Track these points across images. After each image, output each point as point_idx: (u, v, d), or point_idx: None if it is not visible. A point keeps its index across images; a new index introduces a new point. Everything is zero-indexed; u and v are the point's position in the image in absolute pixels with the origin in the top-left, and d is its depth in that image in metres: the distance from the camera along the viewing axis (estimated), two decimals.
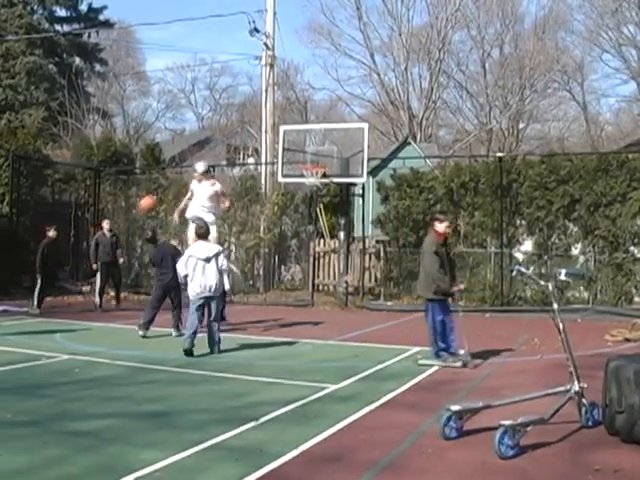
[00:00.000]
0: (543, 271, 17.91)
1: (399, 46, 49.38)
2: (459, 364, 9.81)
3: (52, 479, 5.24)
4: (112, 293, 18.58)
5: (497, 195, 18.55)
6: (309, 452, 5.92)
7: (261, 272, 22.30)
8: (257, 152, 34.23)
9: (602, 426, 6.48)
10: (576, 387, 6.48)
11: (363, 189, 20.06)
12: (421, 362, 10.14)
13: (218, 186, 14.37)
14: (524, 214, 18.57)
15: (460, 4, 47.76)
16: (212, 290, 11.07)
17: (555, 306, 6.72)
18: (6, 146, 22.60)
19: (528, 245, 18.72)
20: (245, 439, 6.29)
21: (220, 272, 11.21)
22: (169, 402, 7.77)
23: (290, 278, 23.23)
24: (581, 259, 18.16)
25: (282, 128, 20.77)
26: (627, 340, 12.45)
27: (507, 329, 14.33)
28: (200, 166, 14.52)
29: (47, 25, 44.71)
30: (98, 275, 17.78)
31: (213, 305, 11.15)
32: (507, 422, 5.80)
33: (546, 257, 18.32)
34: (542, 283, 7.13)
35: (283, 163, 19.67)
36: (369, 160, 19.84)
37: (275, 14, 23.39)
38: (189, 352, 10.70)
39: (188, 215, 13.88)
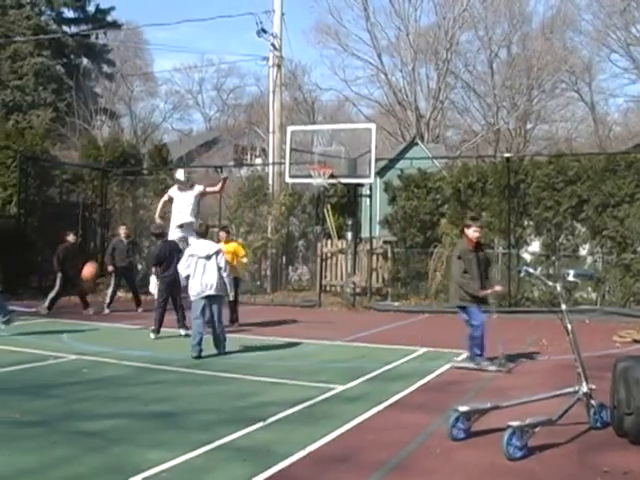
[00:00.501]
0: (551, 272, 17.87)
1: (406, 46, 49.31)
2: (493, 368, 9.67)
3: (60, 479, 5.25)
4: (130, 296, 18.54)
5: (505, 196, 18.51)
6: (317, 453, 5.92)
7: (268, 272, 22.30)
8: (264, 152, 34.24)
9: (610, 427, 6.46)
10: (584, 388, 6.46)
11: (370, 189, 20.04)
12: (456, 365, 10.04)
13: (199, 187, 14.84)
14: (532, 215, 18.53)
15: (467, 4, 47.64)
16: (213, 288, 10.98)
17: (563, 307, 6.70)
18: (14, 147, 22.65)
19: (536, 246, 18.68)
20: (253, 439, 6.28)
21: (219, 270, 11.13)
22: (176, 402, 7.77)
23: (297, 279, 23.23)
24: (589, 260, 18.12)
25: (289, 129, 20.77)
26: (635, 341, 12.42)
27: (515, 330, 14.29)
28: (180, 174, 14.83)
29: (55, 26, 44.81)
30: (112, 279, 17.83)
31: (215, 305, 11.06)
32: (515, 423, 5.78)
33: (554, 258, 18.29)
34: (550, 284, 7.11)
35: (290, 164, 19.68)
36: (377, 160, 19.82)
37: (283, 15, 23.40)
38: (198, 358, 10.67)
39: (175, 224, 14.11)
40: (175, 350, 11.45)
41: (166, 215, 15.61)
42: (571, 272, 7.15)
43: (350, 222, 19.43)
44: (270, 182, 22.79)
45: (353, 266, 19.44)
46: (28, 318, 15.71)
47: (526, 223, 18.75)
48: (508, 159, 19.18)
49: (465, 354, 10.26)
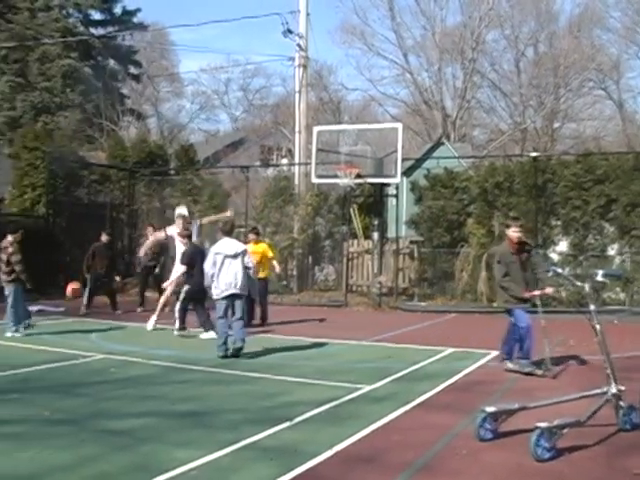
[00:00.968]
0: (579, 272, 17.73)
1: (432, 46, 49.19)
2: (540, 372, 9.44)
3: (89, 477, 5.29)
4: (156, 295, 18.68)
5: (532, 195, 18.42)
6: (343, 452, 5.92)
7: (295, 273, 22.32)
8: (291, 153, 34.27)
9: None
10: (613, 389, 6.40)
11: (397, 189, 20.01)
12: (507, 367, 9.87)
13: (197, 221, 15.01)
14: (559, 214, 18.42)
15: (494, 3, 47.42)
16: (238, 287, 10.95)
17: (592, 307, 6.65)
18: (42, 148, 22.83)
19: (563, 246, 18.57)
20: (279, 439, 6.29)
21: (245, 269, 11.08)
22: (203, 402, 7.80)
23: (324, 279, 23.22)
24: (617, 260, 17.98)
25: (316, 129, 20.77)
26: None
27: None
28: (183, 210, 14.98)
29: (82, 28, 45.11)
30: (140, 278, 18.04)
31: (238, 303, 10.97)
32: (543, 424, 5.74)
33: (582, 258, 18.16)
34: (578, 284, 7.05)
35: (317, 164, 19.70)
36: (403, 160, 19.80)
37: (308, 15, 23.40)
38: (225, 357, 10.67)
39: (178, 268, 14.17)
40: (202, 350, 11.48)
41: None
42: (599, 272, 7.09)
43: (376, 222, 19.42)
44: (296, 182, 22.81)
45: (379, 266, 19.43)
46: (57, 317, 15.84)
47: (554, 223, 18.64)
48: (535, 158, 19.09)
49: (496, 354, 10.18)
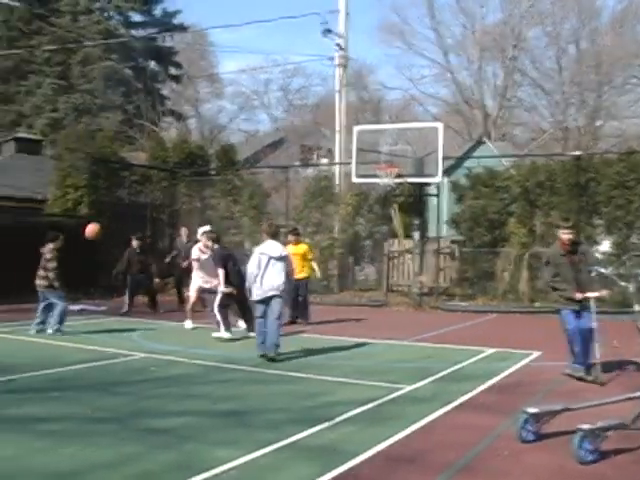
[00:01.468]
0: (622, 272, 17.51)
1: (472, 44, 48.90)
2: (590, 378, 9.02)
3: (131, 475, 5.33)
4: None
5: (574, 194, 18.23)
6: (384, 453, 5.90)
7: (335, 272, 22.32)
8: (331, 152, 34.27)
9: None
10: None
11: (438, 189, 19.95)
12: (565, 371, 9.65)
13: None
14: (602, 213, 18.22)
15: (535, 0, 47.03)
16: (279, 288, 10.92)
17: (636, 307, 6.56)
18: (85, 149, 23.07)
19: (606, 245, 18.35)
20: (320, 439, 6.29)
21: (286, 273, 11.06)
22: (244, 401, 7.82)
23: (364, 278, 23.20)
24: None
25: (356, 128, 20.74)
26: None
27: None
28: (207, 228, 14.78)
29: (123, 30, 45.56)
30: (175, 278, 18.17)
31: (275, 304, 10.87)
32: (586, 426, 5.67)
33: (625, 257, 17.92)
34: (623, 284, 6.96)
35: (357, 163, 19.66)
36: (444, 159, 19.67)
37: (347, 14, 23.40)
38: (264, 356, 10.66)
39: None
40: (243, 349, 11.54)
41: None
42: None
43: (417, 222, 19.38)
44: (337, 182, 22.81)
45: (420, 266, 19.38)
46: (98, 317, 16.01)
47: (596, 222, 18.44)
48: (578, 157, 18.90)
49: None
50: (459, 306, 18.53)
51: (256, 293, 10.99)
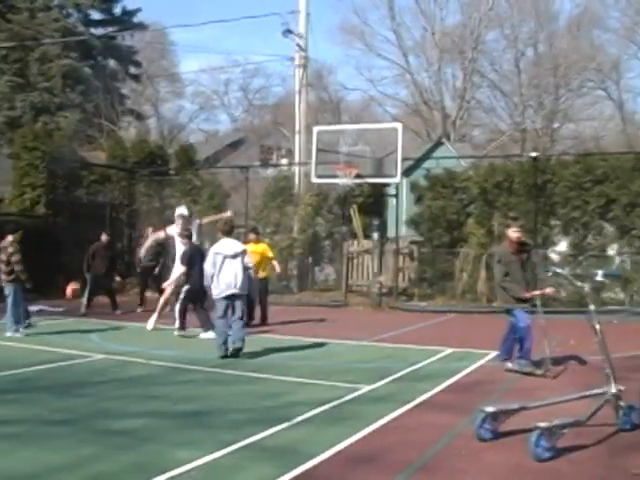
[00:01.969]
0: (578, 272, 17.74)
1: (432, 46, 49.23)
2: (539, 372, 9.41)
3: (88, 477, 5.29)
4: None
5: (531, 195, 18.44)
6: (343, 452, 5.93)
7: (295, 273, 22.33)
8: (290, 153, 34.26)
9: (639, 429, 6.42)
10: (613, 389, 6.41)
11: (397, 189, 20.04)
12: (507, 367, 9.88)
13: (197, 221, 15.04)
14: (559, 214, 18.45)
15: (493, 3, 47.50)
16: (238, 287, 10.94)
17: (591, 307, 6.66)
18: (42, 148, 22.82)
19: (563, 245, 18.59)
20: (279, 439, 6.31)
21: (244, 270, 11.10)
22: (204, 402, 7.81)
23: (324, 279, 23.23)
24: (617, 260, 18.00)
25: (315, 129, 20.76)
26: None
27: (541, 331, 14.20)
28: (184, 209, 15.01)
29: (82, 28, 45.10)
30: (140, 278, 18.01)
31: (238, 304, 10.96)
32: (543, 424, 5.75)
33: (581, 258, 18.17)
34: (578, 284, 7.06)
35: (317, 164, 19.69)
36: (403, 160, 19.77)
37: (308, 15, 23.39)
38: (225, 357, 10.68)
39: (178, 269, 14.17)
40: (203, 350, 11.49)
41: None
42: (599, 272, 7.12)
43: (376, 222, 19.43)
44: (296, 182, 22.81)
45: (379, 266, 19.45)
46: (56, 317, 15.86)
47: (553, 223, 18.67)
48: (535, 158, 19.10)
49: (495, 354, 10.18)
50: (418, 306, 18.63)
51: (215, 292, 11.02)
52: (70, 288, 16.67)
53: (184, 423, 6.89)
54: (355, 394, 8.15)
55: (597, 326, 6.59)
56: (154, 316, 14.21)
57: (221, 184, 24.14)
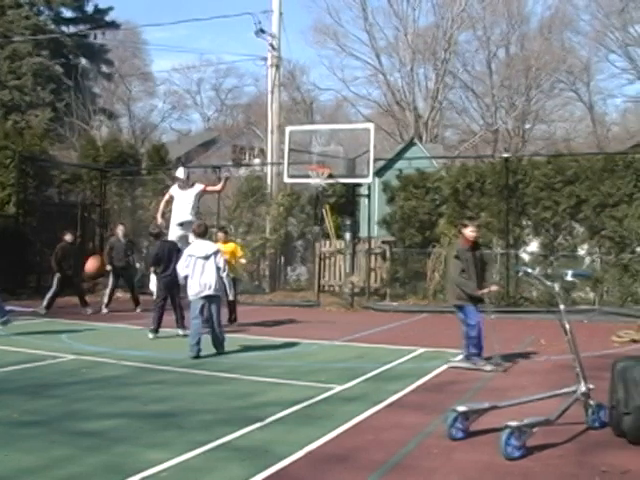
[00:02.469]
0: (549, 272, 17.89)
1: (405, 47, 49.31)
2: (489, 367, 9.68)
3: (59, 478, 5.25)
4: (129, 296, 18.54)
5: (503, 196, 18.54)
6: (315, 453, 5.92)
7: (267, 273, 22.32)
8: (263, 153, 34.25)
9: (609, 427, 6.47)
10: (583, 388, 6.47)
11: (369, 189, 20.05)
12: (452, 364, 10.06)
13: (199, 186, 14.87)
14: (530, 215, 18.56)
15: (466, 4, 47.60)
16: (212, 288, 10.99)
17: (561, 307, 6.71)
18: (13, 147, 22.64)
19: (534, 246, 18.71)
20: (251, 439, 6.29)
21: (218, 270, 11.15)
22: (175, 402, 7.78)
23: (296, 279, 23.23)
24: (587, 260, 18.16)
25: (288, 129, 20.74)
26: (634, 341, 12.43)
27: (513, 330, 14.30)
28: (181, 172, 14.99)
29: (53, 26, 44.79)
30: (110, 279, 17.81)
31: (214, 305, 11.05)
32: (513, 423, 5.79)
33: (552, 258, 18.31)
34: (548, 284, 7.10)
35: (289, 164, 19.65)
36: (375, 160, 19.80)
37: (281, 15, 23.39)
38: (197, 358, 10.69)
39: (175, 222, 14.13)
40: (174, 350, 11.45)
41: (166, 215, 15.62)
42: (569, 272, 7.18)
43: (348, 222, 19.43)
44: (268, 182, 22.80)
45: (351, 266, 19.46)
46: (27, 318, 15.71)
47: (524, 223, 18.79)
48: (507, 159, 19.21)
49: (461, 354, 10.28)
50: (390, 306, 18.68)
51: (190, 293, 11.08)
52: (91, 263, 16.43)
53: (155, 424, 6.85)
54: (327, 394, 8.15)
55: (567, 325, 6.64)
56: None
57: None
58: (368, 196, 20.22)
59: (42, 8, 44.46)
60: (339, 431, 6.57)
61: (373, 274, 20.36)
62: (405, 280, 19.95)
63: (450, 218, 19.05)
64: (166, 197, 15.41)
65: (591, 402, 6.55)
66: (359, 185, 19.82)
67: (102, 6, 46.25)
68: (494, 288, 10.42)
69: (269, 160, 23.52)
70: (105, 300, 17.49)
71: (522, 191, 18.59)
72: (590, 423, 6.58)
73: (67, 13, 46.00)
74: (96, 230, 23.68)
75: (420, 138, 42.81)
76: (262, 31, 23.05)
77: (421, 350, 11.56)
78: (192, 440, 6.16)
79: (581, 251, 18.21)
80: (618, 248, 17.48)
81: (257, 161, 33.78)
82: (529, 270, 8.08)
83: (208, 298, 11.00)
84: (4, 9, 41.49)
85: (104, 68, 48.48)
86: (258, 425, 6.71)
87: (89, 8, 46.17)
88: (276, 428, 6.69)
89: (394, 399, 7.96)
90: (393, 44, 51.01)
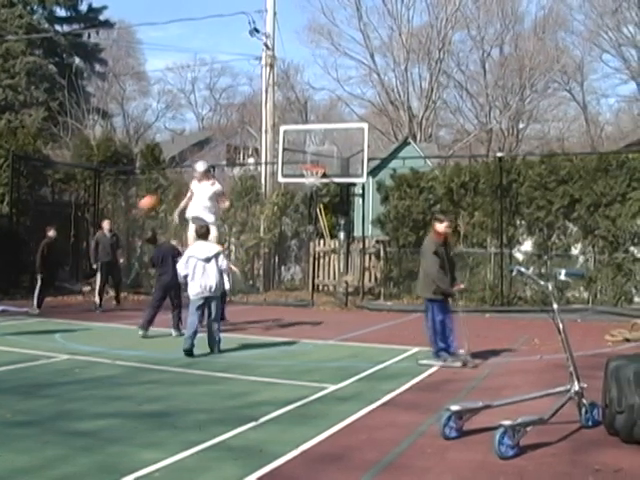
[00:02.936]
0: (543, 271, 17.92)
1: (399, 46, 49.28)
2: (459, 364, 9.82)
3: (52, 479, 5.24)
4: (112, 293, 18.59)
5: (497, 195, 18.56)
6: (309, 452, 5.93)
7: (261, 272, 22.31)
8: (257, 152, 34.21)
9: (602, 426, 6.49)
10: (576, 387, 6.48)
11: (363, 189, 20.05)
12: (421, 362, 10.15)
13: (218, 186, 14.38)
14: (524, 214, 18.58)
15: (460, 4, 47.64)
16: (212, 290, 11.07)
17: (555, 306, 6.72)
18: (6, 146, 22.57)
19: (528, 245, 18.73)
20: (245, 439, 6.29)
21: (220, 272, 11.22)
22: (169, 402, 7.77)
23: (290, 278, 23.22)
24: (581, 259, 18.17)
25: (282, 128, 20.74)
26: (627, 340, 12.44)
27: (507, 329, 14.33)
28: (200, 165, 14.56)
29: (47, 25, 44.71)
30: (98, 275, 17.75)
31: (213, 305, 11.15)
32: (507, 422, 5.80)
33: (546, 257, 18.33)
34: (542, 283, 7.12)
35: (283, 163, 19.65)
36: (369, 160, 19.81)
37: (275, 14, 23.37)
38: (189, 352, 10.72)
39: (188, 215, 13.93)
40: (168, 350, 11.44)
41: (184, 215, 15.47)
42: (563, 271, 7.20)
43: (342, 222, 19.43)
44: (263, 182, 22.80)
45: (346, 266, 19.45)
46: (20, 318, 15.68)
47: (518, 223, 18.80)
48: (500, 159, 19.23)
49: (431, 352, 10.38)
50: (384, 305, 18.69)
51: (190, 293, 11.18)
52: (147, 199, 16.52)
53: (149, 424, 6.85)
54: (321, 393, 8.16)
55: (561, 325, 6.65)
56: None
57: (187, 183, 24.01)
58: (362, 195, 20.22)
59: (36, 7, 44.34)
60: (333, 430, 6.58)
61: (367, 274, 20.37)
62: (399, 279, 19.96)
63: None
64: (188, 194, 15.15)
65: (584, 401, 6.56)
66: (353, 184, 19.81)
67: (96, 5, 46.27)
68: (462, 286, 10.93)
69: (263, 159, 23.51)
70: (97, 300, 17.47)
71: (516, 191, 18.61)
72: (583, 422, 6.60)
73: (61, 12, 45.93)
74: (90, 230, 23.61)
75: (414, 138, 42.82)
76: (256, 30, 23.04)
77: (415, 349, 11.55)
78: (186, 440, 6.16)
79: (575, 250, 18.23)
80: (611, 247, 17.51)
81: (251, 161, 33.73)
82: (523, 269, 8.08)
83: (207, 298, 11.10)
84: None
85: (98, 67, 48.41)
86: (252, 425, 6.71)
87: (83, 7, 46.16)
88: (270, 428, 6.69)
89: (388, 398, 7.97)
90: (387, 44, 51.04)
